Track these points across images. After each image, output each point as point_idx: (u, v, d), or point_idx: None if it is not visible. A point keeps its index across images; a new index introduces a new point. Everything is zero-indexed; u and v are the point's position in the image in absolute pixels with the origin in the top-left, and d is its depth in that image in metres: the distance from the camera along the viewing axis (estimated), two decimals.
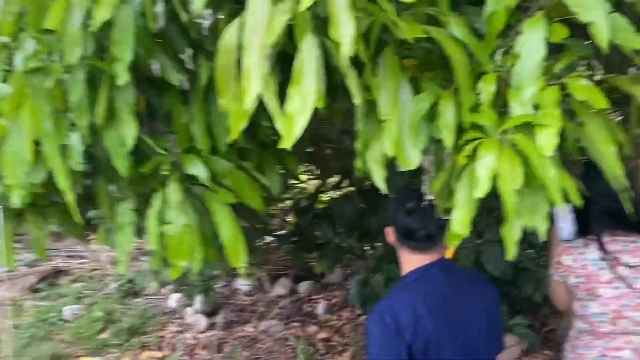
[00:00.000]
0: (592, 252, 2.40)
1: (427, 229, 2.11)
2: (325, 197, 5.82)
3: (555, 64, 1.71)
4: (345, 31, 1.34)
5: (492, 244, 4.17)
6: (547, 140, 1.49)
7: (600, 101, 1.53)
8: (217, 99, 1.65)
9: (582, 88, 1.58)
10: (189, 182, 2.16)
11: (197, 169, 2.07)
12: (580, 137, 1.69)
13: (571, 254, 2.44)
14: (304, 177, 5.80)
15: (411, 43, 1.82)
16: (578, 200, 1.59)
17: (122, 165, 1.99)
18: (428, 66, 1.86)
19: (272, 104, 1.50)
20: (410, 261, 2.19)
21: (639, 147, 2.23)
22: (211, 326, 5.64)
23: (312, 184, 5.90)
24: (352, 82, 1.52)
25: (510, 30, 1.81)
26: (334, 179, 5.29)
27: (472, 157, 1.60)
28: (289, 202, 6.17)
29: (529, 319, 4.95)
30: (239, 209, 2.29)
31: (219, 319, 5.75)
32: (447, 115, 1.65)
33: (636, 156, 2.02)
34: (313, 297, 6.33)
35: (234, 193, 2.17)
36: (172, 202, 2.00)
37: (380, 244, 5.01)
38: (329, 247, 5.12)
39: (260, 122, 2.17)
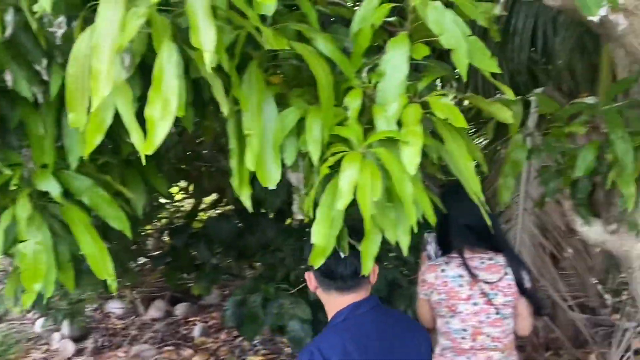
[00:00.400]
0: (453, 270, 2.50)
1: (350, 265, 1.92)
2: (203, 216, 5.71)
3: (418, 83, 1.76)
4: (207, 38, 1.30)
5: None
6: (410, 158, 1.53)
7: (459, 120, 1.59)
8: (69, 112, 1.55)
9: (443, 106, 1.64)
10: (45, 199, 2.01)
11: (49, 185, 1.92)
12: (441, 154, 1.75)
13: (434, 271, 2.53)
14: (179, 196, 5.67)
15: (279, 60, 1.82)
16: (432, 218, 1.64)
17: None
18: (296, 83, 1.87)
19: (127, 114, 1.43)
20: (336, 303, 1.99)
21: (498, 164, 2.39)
22: (79, 352, 5.34)
23: (189, 203, 5.78)
24: (218, 92, 1.48)
25: (377, 49, 1.86)
26: (211, 198, 5.20)
27: (336, 169, 1.61)
28: (165, 222, 6.01)
29: None
30: (108, 229, 2.17)
31: (89, 344, 5.46)
32: (314, 130, 1.64)
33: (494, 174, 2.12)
34: (190, 319, 6.15)
35: (93, 211, 2.03)
36: (21, 220, 1.85)
37: (258, 263, 4.95)
38: (205, 267, 5.00)
39: (123, 137, 2.06)
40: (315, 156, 1.62)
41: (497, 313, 2.47)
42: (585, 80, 4.55)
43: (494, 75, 1.71)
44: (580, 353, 4.63)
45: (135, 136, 1.43)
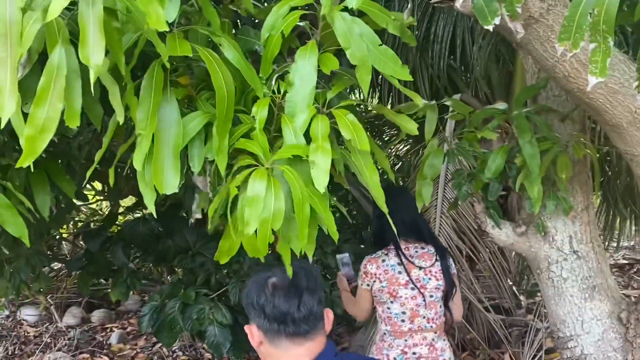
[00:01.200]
0: (392, 259, 2.82)
1: (304, 305, 1.55)
2: (122, 219, 5.55)
3: (328, 92, 1.75)
4: (95, 54, 1.24)
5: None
6: (319, 179, 1.54)
7: (363, 143, 1.61)
8: None
9: (348, 125, 1.64)
10: None
11: None
12: (349, 164, 1.75)
13: (375, 262, 2.83)
14: (96, 198, 5.49)
15: (191, 60, 1.77)
16: (335, 236, 1.64)
17: None
18: (206, 85, 1.81)
19: (16, 119, 1.35)
20: (292, 358, 1.58)
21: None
22: None
23: (107, 206, 5.60)
24: (114, 98, 1.42)
25: (290, 51, 1.84)
26: (130, 201, 5.06)
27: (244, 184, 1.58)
28: (81, 225, 5.81)
29: None
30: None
31: None
32: (219, 138, 1.60)
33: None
34: (107, 325, 5.97)
35: None
36: None
37: (180, 269, 4.85)
38: (123, 272, 4.85)
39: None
40: (221, 167, 1.59)
41: (431, 296, 2.81)
42: (501, 87, 4.70)
43: (413, 79, 1.72)
44: (494, 353, 4.76)
45: (23, 141, 1.35)
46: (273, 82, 1.72)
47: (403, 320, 2.77)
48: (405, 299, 2.76)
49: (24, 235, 1.99)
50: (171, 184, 1.59)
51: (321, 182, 1.52)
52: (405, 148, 5.99)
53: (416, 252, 2.85)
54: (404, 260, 2.79)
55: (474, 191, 2.79)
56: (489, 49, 4.44)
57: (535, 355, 4.41)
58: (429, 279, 2.80)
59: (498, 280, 4.72)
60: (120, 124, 1.47)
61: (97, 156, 1.70)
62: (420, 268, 2.80)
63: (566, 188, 2.58)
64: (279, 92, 1.72)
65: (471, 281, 4.48)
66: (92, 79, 1.23)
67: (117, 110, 1.43)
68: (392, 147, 6.20)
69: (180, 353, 5.25)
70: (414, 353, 2.75)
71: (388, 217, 1.82)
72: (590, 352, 2.72)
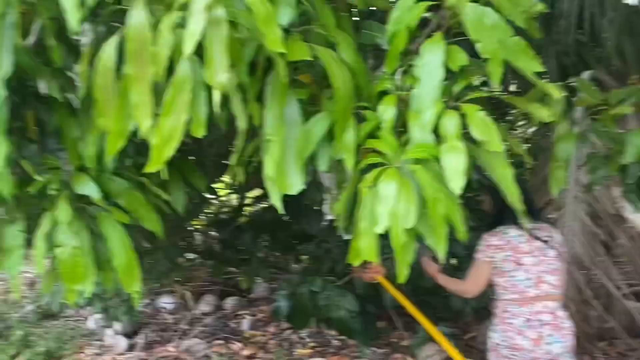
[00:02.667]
0: (513, 231, 2.88)
1: None
2: (248, 210, 5.75)
3: (454, 86, 1.70)
4: (219, 75, 1.28)
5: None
6: (455, 181, 1.51)
7: (496, 144, 1.54)
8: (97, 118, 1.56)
9: (480, 123, 1.58)
10: (83, 202, 2.05)
11: (88, 188, 1.97)
12: (477, 158, 1.69)
13: (497, 235, 2.90)
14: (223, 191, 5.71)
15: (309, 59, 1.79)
16: (463, 235, 1.60)
17: (1, 185, 1.86)
18: (329, 83, 1.82)
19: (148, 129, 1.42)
20: None
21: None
22: (131, 347, 5.42)
23: (235, 198, 5.82)
24: (236, 108, 1.46)
25: (412, 43, 1.81)
26: (257, 192, 5.22)
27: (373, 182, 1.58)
28: (212, 217, 6.07)
29: (451, 326, 5.00)
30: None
31: (140, 339, 5.54)
32: (347, 137, 1.61)
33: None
34: (239, 312, 6.19)
35: (129, 214, 2.06)
36: (61, 223, 1.88)
37: (305, 256, 4.96)
38: (252, 261, 5.04)
39: None
40: (349, 165, 1.59)
41: (552, 264, 2.88)
42: (636, 61, 4.37)
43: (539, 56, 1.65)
44: (636, 342, 4.49)
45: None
46: (398, 78, 1.69)
47: (529, 287, 2.84)
48: (530, 266, 2.84)
49: (158, 229, 2.12)
50: (295, 186, 1.63)
51: (457, 184, 1.49)
52: (532, 130, 5.74)
53: (535, 227, 2.89)
54: (525, 231, 2.87)
55: (611, 174, 2.63)
56: (621, 21, 4.15)
57: None
58: (549, 249, 2.89)
59: (637, 266, 4.45)
60: (243, 129, 1.51)
61: (233, 160, 1.76)
62: (539, 239, 2.88)
63: None
64: (403, 87, 1.69)
65: (608, 268, 4.25)
66: (216, 97, 1.27)
67: (240, 117, 1.48)
68: (517, 128, 5.97)
69: (308, 339, 5.37)
70: (538, 320, 2.81)
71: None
72: None
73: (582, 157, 4.03)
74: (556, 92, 1.70)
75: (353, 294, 4.47)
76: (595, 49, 4.66)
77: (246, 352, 5.14)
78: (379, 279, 3.51)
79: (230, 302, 6.31)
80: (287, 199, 4.44)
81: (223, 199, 6.31)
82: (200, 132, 1.44)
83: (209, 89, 1.43)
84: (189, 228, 5.65)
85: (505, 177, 1.64)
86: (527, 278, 2.84)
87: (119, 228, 1.99)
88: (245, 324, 5.79)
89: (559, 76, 4.54)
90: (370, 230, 1.57)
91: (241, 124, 1.54)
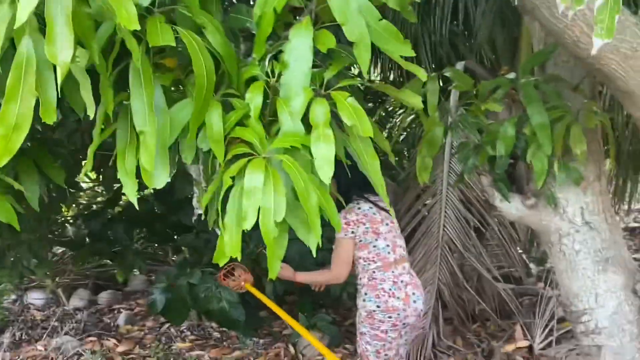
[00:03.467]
0: (364, 204, 3.06)
1: None
2: (126, 199, 5.49)
3: (325, 72, 1.65)
4: (62, 51, 1.15)
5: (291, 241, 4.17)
6: (324, 170, 1.45)
7: (367, 129, 1.50)
8: None
9: (349, 109, 1.53)
10: None
11: None
12: (347, 146, 1.65)
13: (353, 211, 3.04)
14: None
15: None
16: (338, 226, 1.58)
17: None
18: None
19: None
20: None
21: None
22: None
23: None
24: (85, 93, 1.33)
25: (285, 27, 1.73)
26: None
27: (240, 174, 1.49)
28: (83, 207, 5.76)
29: (331, 314, 5.04)
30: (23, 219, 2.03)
31: (6, 338, 5.17)
32: (214, 127, 1.51)
33: None
34: (114, 307, 5.93)
35: None
36: None
37: (185, 248, 4.81)
38: (127, 253, 4.82)
39: None
40: (219, 156, 1.50)
41: (397, 229, 3.19)
42: (507, 52, 4.56)
43: (414, 46, 1.62)
44: (506, 324, 4.71)
45: None
46: (267, 64, 1.61)
47: (389, 252, 3.06)
48: (386, 234, 3.06)
49: (13, 220, 1.94)
50: (160, 179, 1.51)
51: (326, 173, 1.44)
52: (410, 118, 5.86)
53: (376, 199, 3.10)
54: (372, 204, 3.08)
55: (481, 164, 2.70)
56: (493, 13, 4.31)
57: (547, 325, 4.35)
58: (390, 217, 3.13)
59: (507, 249, 4.67)
60: (91, 117, 1.38)
61: (90, 152, 1.61)
62: (383, 209, 3.10)
63: (581, 159, 2.49)
64: (273, 73, 1.61)
65: (480, 252, 4.42)
66: (59, 78, 1.14)
67: (87, 104, 1.35)
68: (395, 117, 6.09)
69: (188, 333, 5.22)
70: (402, 281, 3.04)
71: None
72: (604, 325, 2.65)
73: (455, 145, 4.18)
74: (423, 74, 1.69)
75: None
76: (468, 39, 4.82)
77: (121, 349, 4.91)
78: (247, 287, 3.48)
79: (105, 296, 6.02)
80: (161, 190, 4.28)
81: (100, 189, 6.00)
82: (50, 118, 1.29)
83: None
84: (58, 219, 5.32)
85: (372, 167, 1.61)
86: (386, 245, 3.05)
87: None
88: (121, 318, 5.54)
89: (434, 67, 4.67)
90: (235, 226, 1.49)
91: (89, 110, 1.40)
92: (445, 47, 4.67)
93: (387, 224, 3.10)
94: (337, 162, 1.68)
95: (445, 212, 4.36)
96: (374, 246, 3.05)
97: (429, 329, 4.25)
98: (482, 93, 2.63)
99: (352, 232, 3.02)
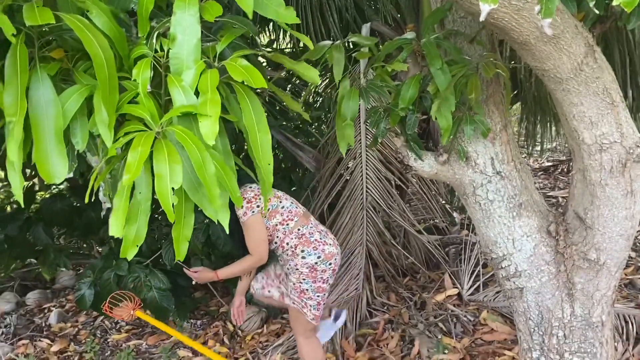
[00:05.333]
0: (251, 183, 3.17)
1: None
2: (42, 194, 5.29)
3: (217, 45, 1.61)
4: None
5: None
6: (207, 129, 1.40)
7: (258, 80, 1.47)
8: None
9: (239, 69, 1.50)
10: None
11: None
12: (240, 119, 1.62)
13: (247, 190, 3.12)
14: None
15: (61, 31, 1.60)
16: (239, 202, 1.54)
17: None
18: (83, 54, 1.64)
19: None
20: None
21: None
22: None
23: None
24: None
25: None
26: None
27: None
28: None
29: None
30: None
31: None
32: (102, 111, 1.45)
33: None
34: (44, 305, 5.75)
35: None
36: None
37: (112, 239, 4.68)
38: (49, 251, 4.67)
39: None
40: (107, 140, 1.44)
41: None
42: (411, 10, 4.60)
43: (320, 12, 1.60)
44: (434, 274, 4.85)
45: None
46: (154, 41, 1.56)
47: (297, 207, 3.27)
48: (283, 195, 3.27)
49: None
50: (59, 172, 1.44)
51: (210, 133, 1.40)
52: (324, 83, 5.86)
53: None
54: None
55: (393, 126, 2.72)
56: None
57: (473, 272, 4.51)
58: None
59: (429, 202, 4.77)
60: None
61: None
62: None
63: (482, 110, 2.55)
64: (162, 50, 1.56)
65: (403, 209, 4.50)
66: None
67: None
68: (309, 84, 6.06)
69: (123, 323, 5.13)
70: (321, 230, 3.28)
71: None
72: (524, 268, 2.75)
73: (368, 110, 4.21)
74: (308, 41, 1.67)
75: (162, 272, 4.33)
76: (374, 1, 4.83)
77: (55, 348, 4.80)
78: (137, 314, 3.53)
79: (33, 297, 5.83)
80: (80, 184, 4.14)
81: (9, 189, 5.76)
82: None
83: None
84: None
85: (263, 141, 1.59)
86: (291, 202, 3.26)
87: None
88: (52, 317, 5.39)
89: (341, 32, 4.66)
90: (121, 203, 1.44)
91: None
92: (350, 10, 4.67)
93: (287, 199, 3.28)
94: None
95: (367, 174, 4.41)
96: (282, 207, 3.21)
97: (362, 289, 4.32)
98: (384, 55, 2.63)
99: (258, 206, 3.10)
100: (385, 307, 4.44)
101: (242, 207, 3.08)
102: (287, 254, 3.22)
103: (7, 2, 1.36)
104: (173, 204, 1.39)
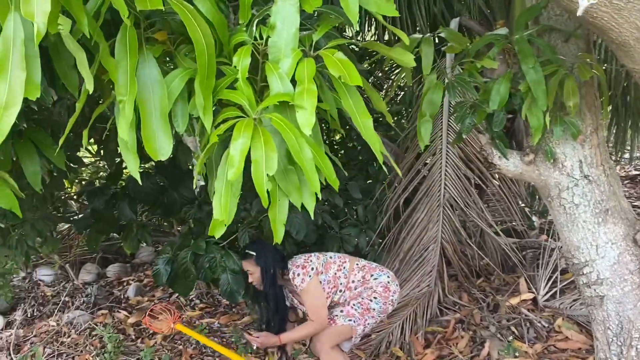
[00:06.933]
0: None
1: None
2: (127, 173, 5.50)
3: (313, 34, 1.64)
4: (39, 7, 1.13)
5: (293, 210, 4.21)
6: (304, 119, 1.43)
7: (355, 77, 1.49)
8: None
9: (337, 63, 1.52)
10: None
11: None
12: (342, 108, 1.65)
13: (295, 261, 3.33)
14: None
15: (165, 14, 1.66)
16: (335, 183, 1.56)
17: None
18: (185, 38, 1.70)
19: None
20: None
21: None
22: (9, 324, 5.12)
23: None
24: (82, 67, 1.32)
25: None
26: None
27: (229, 134, 1.49)
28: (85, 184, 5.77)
29: None
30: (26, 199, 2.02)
31: (18, 315, 5.24)
32: (201, 94, 1.50)
33: None
34: (123, 279, 5.99)
35: None
36: None
37: (190, 220, 4.83)
38: (132, 227, 4.85)
39: None
40: (207, 124, 1.50)
41: None
42: (501, 6, 4.50)
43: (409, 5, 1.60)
44: (510, 277, 4.75)
45: None
46: (254, 29, 1.60)
47: (336, 253, 3.44)
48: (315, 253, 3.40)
49: (15, 207, 1.94)
50: (165, 150, 1.51)
51: (307, 123, 1.43)
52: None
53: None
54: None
55: (478, 122, 2.69)
56: None
57: (550, 277, 4.39)
58: None
59: (509, 204, 4.67)
60: (90, 92, 1.37)
61: (70, 123, 1.61)
62: None
63: (574, 112, 2.48)
64: (261, 38, 1.60)
65: (481, 209, 4.43)
66: (37, 37, 1.12)
67: (86, 78, 1.34)
68: (393, 77, 6.04)
69: (197, 301, 5.29)
70: (368, 263, 3.40)
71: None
72: (606, 276, 2.67)
73: (453, 104, 4.15)
74: (405, 37, 1.67)
75: (237, 254, 4.42)
76: None
77: (132, 320, 4.99)
78: (177, 327, 3.67)
79: (113, 270, 6.09)
80: (164, 163, 4.28)
81: (102, 163, 6.02)
82: (34, 94, 1.28)
83: (44, 49, 1.28)
84: (60, 196, 5.35)
85: (365, 125, 1.60)
86: (332, 253, 3.38)
87: None
88: (130, 290, 5.61)
89: (428, 26, 4.62)
90: (224, 189, 1.50)
91: (87, 84, 1.40)
92: (439, 4, 4.61)
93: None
94: None
95: (446, 170, 4.36)
96: (330, 257, 3.33)
97: (434, 286, 4.29)
98: (474, 51, 2.60)
99: (312, 269, 3.21)
100: (457, 307, 4.39)
101: (297, 275, 3.20)
102: (357, 288, 3.30)
103: None
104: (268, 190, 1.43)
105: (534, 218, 5.81)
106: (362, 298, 3.27)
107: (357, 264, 3.32)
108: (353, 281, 3.27)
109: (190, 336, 3.73)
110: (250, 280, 3.34)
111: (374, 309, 3.25)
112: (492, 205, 4.87)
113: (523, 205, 5.34)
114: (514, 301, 4.32)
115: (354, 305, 3.27)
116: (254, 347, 3.89)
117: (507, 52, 2.71)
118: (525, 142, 2.83)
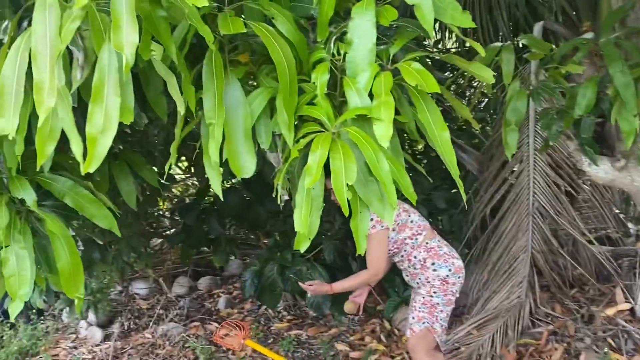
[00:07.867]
0: None
1: None
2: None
3: (390, 48, 1.65)
4: (128, 39, 1.20)
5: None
6: (382, 132, 1.45)
7: (432, 85, 1.49)
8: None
9: (414, 73, 1.53)
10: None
11: (24, 192, 1.87)
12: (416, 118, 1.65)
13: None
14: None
15: (247, 36, 1.73)
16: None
17: None
18: (266, 59, 1.76)
19: (67, 121, 1.34)
20: None
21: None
22: (107, 337, 5.37)
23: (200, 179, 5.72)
24: (173, 90, 1.40)
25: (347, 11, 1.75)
26: None
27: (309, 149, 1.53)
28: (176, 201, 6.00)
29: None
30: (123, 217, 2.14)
31: (115, 328, 5.49)
32: (284, 112, 1.55)
33: None
34: (214, 292, 6.16)
35: (74, 213, 1.98)
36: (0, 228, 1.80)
37: (275, 233, 4.93)
38: (221, 241, 5.00)
39: None
40: (288, 139, 1.54)
41: None
42: (587, 8, 4.36)
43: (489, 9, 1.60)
44: (605, 287, 4.56)
45: (75, 147, 1.35)
46: (332, 45, 1.64)
47: (424, 221, 3.26)
48: (410, 209, 3.27)
49: (114, 227, 2.04)
50: (249, 168, 1.58)
51: (384, 135, 1.44)
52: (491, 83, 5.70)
53: None
54: None
55: (566, 128, 2.61)
56: None
57: None
58: None
59: (602, 211, 4.49)
60: (182, 114, 1.45)
61: (173, 149, 1.70)
62: None
63: None
64: (339, 54, 1.64)
65: (573, 217, 4.28)
66: (125, 67, 1.19)
67: (177, 100, 1.41)
68: (475, 84, 5.95)
69: (285, 313, 5.36)
70: (446, 244, 3.28)
71: None
72: None
73: (538, 110, 4.04)
74: (482, 50, 1.65)
75: (322, 266, 4.47)
76: None
77: (223, 332, 5.12)
78: (247, 344, 3.68)
79: (204, 282, 6.27)
80: (250, 179, 4.44)
81: (190, 181, 6.25)
82: (128, 119, 1.36)
83: (135, 76, 1.37)
84: (153, 213, 5.58)
85: (442, 138, 1.60)
86: (418, 216, 3.23)
87: (62, 231, 1.89)
88: (221, 302, 5.76)
89: (511, 30, 4.53)
90: (304, 202, 1.53)
91: (179, 106, 1.48)
92: (521, 8, 4.52)
93: (415, 212, 3.28)
94: None
95: (534, 178, 4.25)
96: (411, 221, 3.21)
97: (525, 298, 4.18)
98: (559, 56, 2.54)
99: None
100: (550, 318, 4.25)
101: (371, 220, 3.06)
102: (416, 267, 3.22)
103: (203, 12, 1.49)
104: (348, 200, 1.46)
105: (630, 225, 5.55)
106: (423, 296, 3.23)
107: (427, 244, 3.22)
108: (415, 257, 3.21)
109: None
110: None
111: (437, 304, 3.20)
112: (585, 212, 4.68)
113: (617, 211, 5.11)
114: (610, 312, 4.14)
115: (419, 308, 3.24)
116: (308, 295, 3.94)
117: (595, 56, 2.63)
118: (617, 148, 2.73)
